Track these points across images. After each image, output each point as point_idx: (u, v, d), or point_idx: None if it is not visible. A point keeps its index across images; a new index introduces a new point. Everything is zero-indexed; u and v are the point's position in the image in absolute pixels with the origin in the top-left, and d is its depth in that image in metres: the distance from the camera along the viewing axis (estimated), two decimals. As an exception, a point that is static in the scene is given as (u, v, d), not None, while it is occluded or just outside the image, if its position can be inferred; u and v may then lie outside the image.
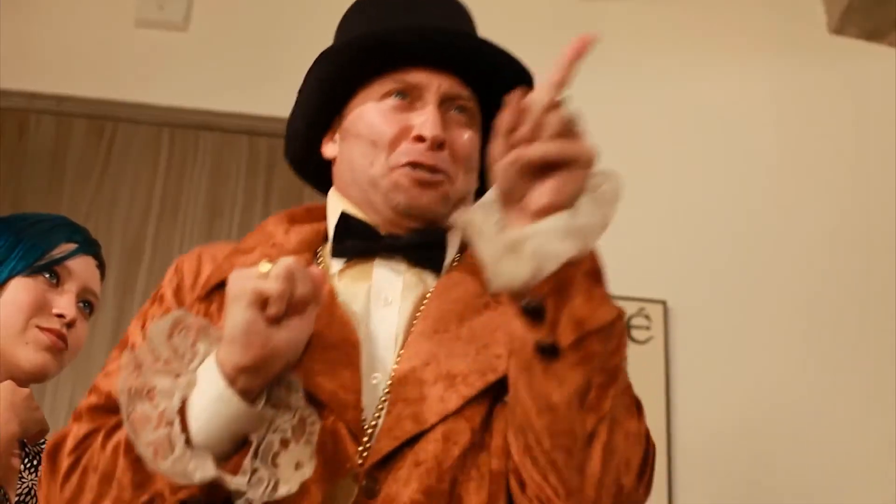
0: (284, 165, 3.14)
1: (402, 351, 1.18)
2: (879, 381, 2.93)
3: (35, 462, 1.63)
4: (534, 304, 1.02)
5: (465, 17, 1.39)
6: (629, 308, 2.91)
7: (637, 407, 1.12)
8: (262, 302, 1.03)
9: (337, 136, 1.36)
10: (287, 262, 1.05)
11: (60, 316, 1.65)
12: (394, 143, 1.28)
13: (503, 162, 1.02)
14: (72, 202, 3.07)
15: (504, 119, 1.02)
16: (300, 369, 1.13)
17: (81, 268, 1.71)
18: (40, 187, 3.10)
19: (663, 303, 2.95)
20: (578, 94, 3.35)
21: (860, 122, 3.20)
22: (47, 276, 1.67)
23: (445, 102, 1.30)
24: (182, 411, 1.05)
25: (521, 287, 1.02)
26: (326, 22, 3.40)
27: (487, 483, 1.12)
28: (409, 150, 1.26)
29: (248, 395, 1.05)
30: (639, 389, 1.16)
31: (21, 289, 1.64)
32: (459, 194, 1.29)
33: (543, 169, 1.01)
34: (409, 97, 1.30)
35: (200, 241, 3.10)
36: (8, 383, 1.54)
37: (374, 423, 1.13)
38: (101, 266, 1.77)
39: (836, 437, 2.87)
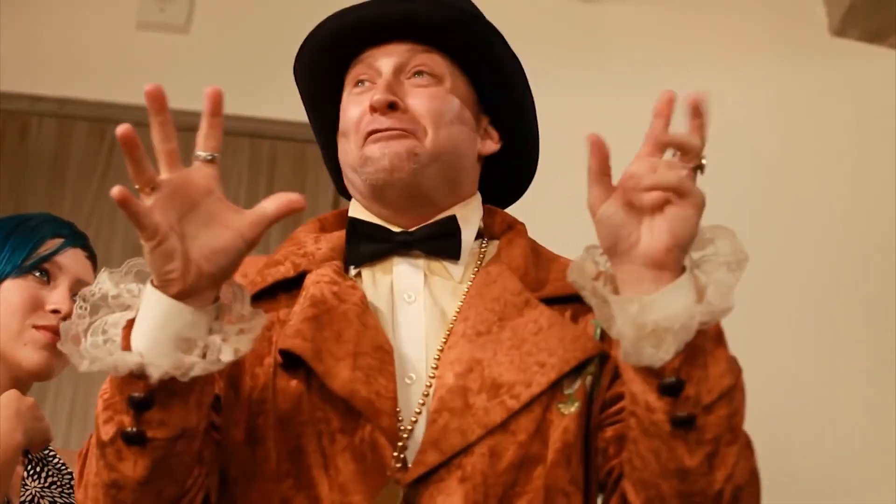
0: (286, 167, 3.21)
1: (440, 352, 1.18)
2: (882, 380, 2.94)
3: (38, 469, 1.62)
4: (671, 382, 1.02)
5: None
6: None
7: (750, 446, 1.12)
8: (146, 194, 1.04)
9: None
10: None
11: (56, 311, 1.64)
12: (358, 125, 1.28)
13: (598, 216, 1.04)
14: (73, 205, 3.07)
15: (592, 165, 1.04)
16: (337, 377, 1.13)
17: (71, 261, 1.69)
18: (42, 190, 3.10)
19: (665, 305, 2.95)
20: (579, 97, 3.35)
21: (861, 123, 3.20)
22: (37, 274, 1.65)
23: (404, 72, 1.30)
24: (128, 331, 1.05)
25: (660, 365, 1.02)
26: (328, 24, 3.39)
27: (541, 498, 1.12)
28: (367, 123, 1.27)
29: (185, 297, 1.03)
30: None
31: (12, 291, 1.63)
32: (433, 149, 1.27)
33: (650, 210, 1.03)
34: (368, 80, 1.30)
35: (202, 243, 3.10)
36: (13, 392, 1.53)
37: (410, 427, 1.13)
38: (92, 257, 1.75)
39: (839, 436, 2.88)
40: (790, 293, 3.03)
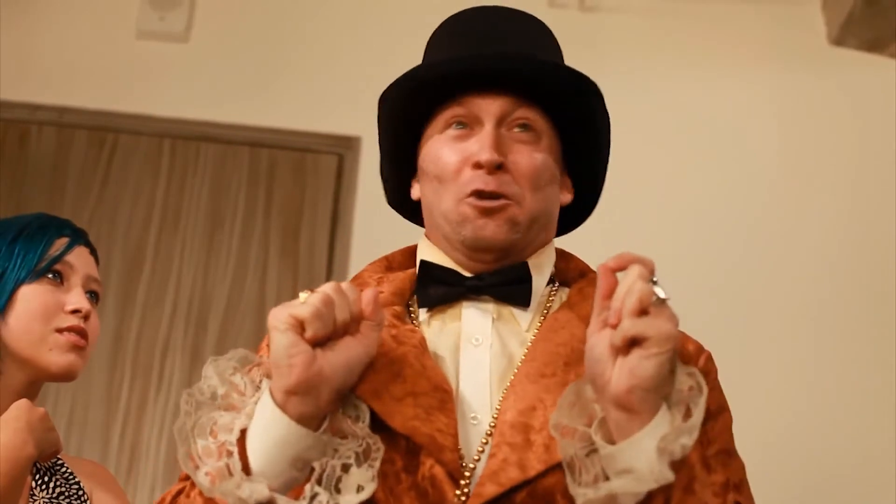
0: (285, 176, 3.22)
1: (505, 392, 1.19)
2: (882, 382, 2.95)
3: (46, 479, 1.62)
4: None
5: (534, 34, 1.38)
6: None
7: None
8: (299, 326, 1.07)
9: (417, 176, 1.36)
10: (327, 286, 1.09)
11: (76, 311, 1.64)
12: (456, 174, 1.27)
13: (587, 346, 1.08)
14: (73, 213, 3.06)
15: (597, 292, 1.08)
16: (397, 415, 1.14)
17: (79, 259, 1.70)
18: (41, 198, 3.10)
19: (664, 313, 2.95)
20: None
21: (861, 132, 3.21)
22: (51, 276, 1.66)
23: (505, 123, 1.29)
24: (242, 442, 1.08)
25: None
26: (328, 33, 3.41)
27: None
28: (471, 179, 1.26)
29: (306, 420, 1.07)
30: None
31: (30, 297, 1.63)
32: (530, 215, 1.28)
33: (628, 346, 1.05)
34: (467, 125, 1.29)
35: (201, 252, 3.11)
36: (24, 402, 1.52)
37: (473, 465, 1.14)
38: (94, 252, 1.77)
39: (839, 436, 2.88)
40: (791, 301, 3.03)
